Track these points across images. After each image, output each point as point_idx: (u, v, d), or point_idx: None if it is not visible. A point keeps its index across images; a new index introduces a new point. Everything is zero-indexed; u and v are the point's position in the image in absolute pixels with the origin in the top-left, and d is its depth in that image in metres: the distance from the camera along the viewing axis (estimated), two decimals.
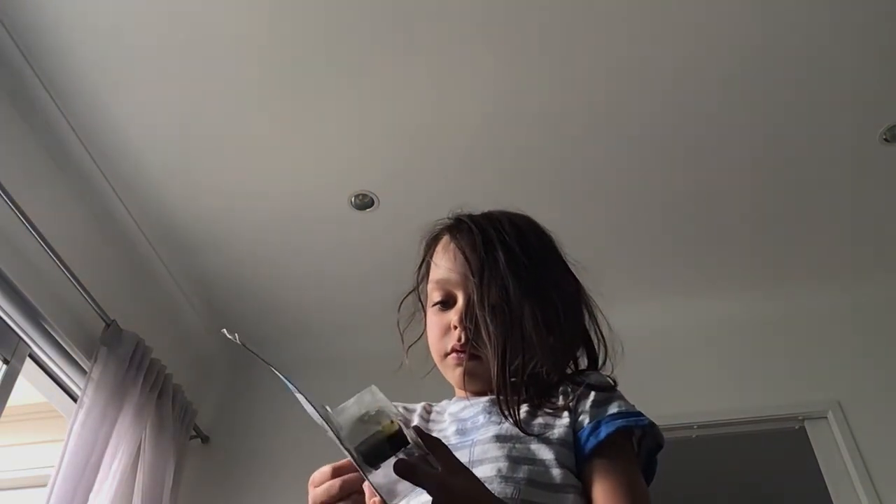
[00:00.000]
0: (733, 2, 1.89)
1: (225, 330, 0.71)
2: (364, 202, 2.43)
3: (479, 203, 1.03)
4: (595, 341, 0.96)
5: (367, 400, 0.67)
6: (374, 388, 0.68)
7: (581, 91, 2.10)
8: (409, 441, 0.64)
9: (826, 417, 2.44)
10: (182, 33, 1.96)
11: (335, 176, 2.35)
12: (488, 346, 0.86)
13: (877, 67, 2.03)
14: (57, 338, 2.10)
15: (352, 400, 0.66)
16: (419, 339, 1.01)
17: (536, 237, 0.97)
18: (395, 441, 0.63)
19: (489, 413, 0.87)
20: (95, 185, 2.30)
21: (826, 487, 2.33)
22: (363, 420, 0.64)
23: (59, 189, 2.21)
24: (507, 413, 0.83)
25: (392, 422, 0.64)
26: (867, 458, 2.31)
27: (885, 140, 2.21)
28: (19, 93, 2.03)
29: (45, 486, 1.89)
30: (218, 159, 2.30)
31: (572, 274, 0.98)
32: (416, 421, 0.95)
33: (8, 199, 1.85)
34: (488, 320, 0.86)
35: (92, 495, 1.96)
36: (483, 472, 0.79)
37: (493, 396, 0.88)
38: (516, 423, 0.82)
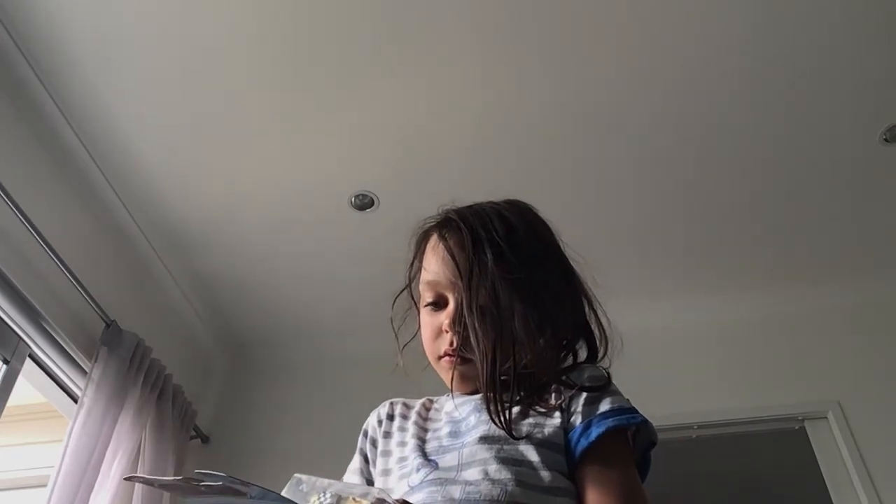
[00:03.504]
0: (734, 4, 1.89)
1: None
2: (364, 202, 2.43)
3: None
4: (596, 334, 0.94)
5: (306, 490, 0.65)
6: (299, 476, 0.67)
7: (581, 91, 2.10)
8: None
9: (826, 417, 2.45)
10: (182, 36, 1.95)
11: (335, 176, 2.35)
12: (476, 351, 0.85)
13: (877, 68, 2.03)
14: (57, 338, 2.10)
15: (286, 494, 0.63)
16: (413, 337, 1.00)
17: (528, 232, 0.94)
18: None
19: (480, 412, 0.86)
20: (95, 185, 2.30)
21: (826, 487, 2.33)
22: None
23: (58, 189, 2.21)
24: (496, 418, 0.81)
25: (355, 500, 0.63)
26: (867, 458, 2.31)
27: (885, 140, 2.21)
28: (19, 93, 2.02)
29: (45, 486, 1.89)
30: (218, 160, 2.30)
31: (568, 267, 0.96)
32: (413, 418, 0.95)
33: (8, 199, 1.84)
34: (476, 324, 0.85)
35: (92, 495, 1.96)
36: (471, 474, 0.78)
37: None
38: (505, 428, 0.81)
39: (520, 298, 0.86)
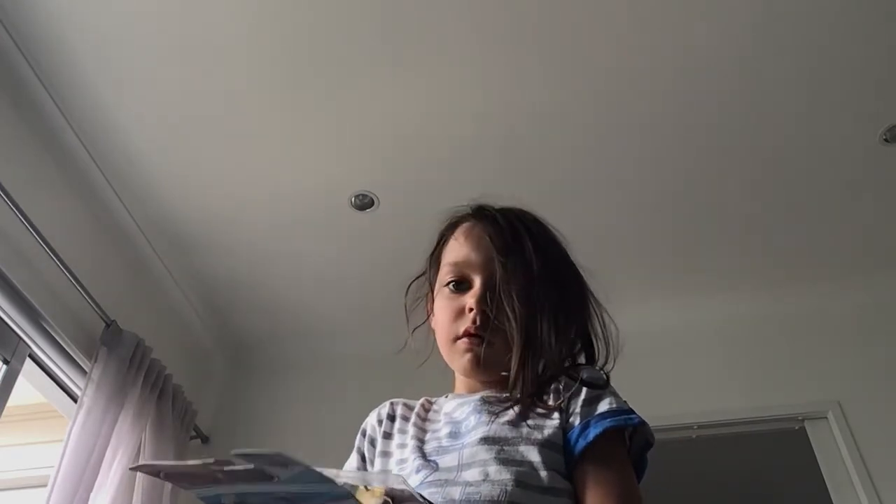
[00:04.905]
0: (734, 4, 1.89)
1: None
2: (364, 202, 2.43)
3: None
4: (596, 341, 0.95)
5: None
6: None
7: (580, 91, 2.10)
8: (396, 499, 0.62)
9: (826, 417, 2.44)
10: (182, 36, 1.96)
11: (335, 176, 2.35)
12: (513, 325, 0.86)
13: (876, 68, 2.03)
14: (57, 338, 2.10)
15: None
16: (423, 322, 1.01)
17: (549, 235, 0.99)
18: None
19: (479, 413, 0.87)
20: (95, 185, 2.31)
21: (826, 487, 2.33)
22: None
23: (58, 189, 2.21)
24: (521, 391, 0.84)
25: (367, 488, 0.62)
26: (867, 458, 2.31)
27: (885, 140, 2.21)
28: (20, 93, 2.03)
29: (45, 486, 1.89)
30: (218, 160, 2.30)
31: (581, 274, 0.99)
32: (413, 419, 0.94)
33: (8, 199, 1.85)
34: (515, 298, 0.87)
35: (92, 495, 1.96)
36: (471, 475, 0.78)
37: (486, 394, 0.88)
38: (528, 401, 0.83)
39: (550, 292, 0.90)
